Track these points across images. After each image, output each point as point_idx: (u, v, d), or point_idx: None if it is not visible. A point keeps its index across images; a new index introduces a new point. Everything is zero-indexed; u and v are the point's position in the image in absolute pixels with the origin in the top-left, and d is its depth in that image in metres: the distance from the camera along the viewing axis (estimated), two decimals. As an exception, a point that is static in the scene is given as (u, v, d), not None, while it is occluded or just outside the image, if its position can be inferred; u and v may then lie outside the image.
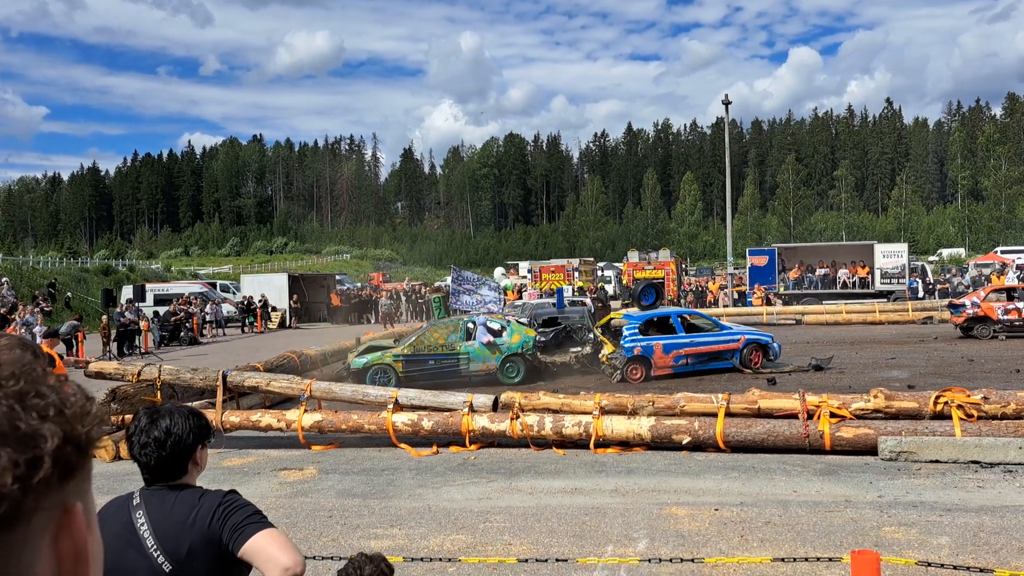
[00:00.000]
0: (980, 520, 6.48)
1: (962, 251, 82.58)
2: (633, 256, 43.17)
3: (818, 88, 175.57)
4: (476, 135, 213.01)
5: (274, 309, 35.47)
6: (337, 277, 47.14)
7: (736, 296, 38.29)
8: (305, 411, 10.95)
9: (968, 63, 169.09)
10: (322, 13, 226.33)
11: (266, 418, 11.10)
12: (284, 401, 13.52)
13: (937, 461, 8.39)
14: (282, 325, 35.30)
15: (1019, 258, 55.87)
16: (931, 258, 72.86)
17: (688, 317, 16.88)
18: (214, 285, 41.60)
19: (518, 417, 10.00)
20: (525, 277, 55.34)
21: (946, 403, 9.11)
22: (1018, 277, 37.52)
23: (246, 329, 33.79)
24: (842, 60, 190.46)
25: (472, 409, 10.37)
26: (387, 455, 10.14)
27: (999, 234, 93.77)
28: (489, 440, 10.32)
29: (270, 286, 36.74)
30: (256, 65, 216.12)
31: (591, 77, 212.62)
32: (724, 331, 16.38)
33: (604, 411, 10.01)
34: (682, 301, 38.47)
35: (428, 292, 39.05)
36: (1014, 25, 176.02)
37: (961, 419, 8.88)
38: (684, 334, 15.90)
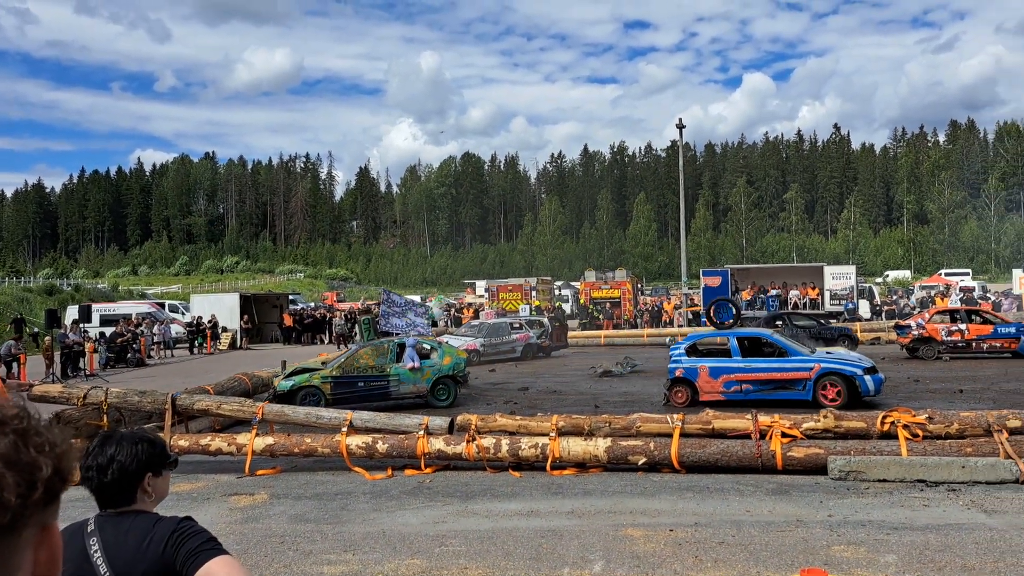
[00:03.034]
0: (926, 538, 6.63)
1: (908, 273, 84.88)
2: (590, 276, 43.51)
3: (771, 113, 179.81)
4: (436, 155, 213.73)
5: (224, 330, 34.84)
6: (290, 297, 46.55)
7: (691, 316, 38.76)
8: (257, 434, 10.76)
9: (914, 91, 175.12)
10: (282, 31, 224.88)
11: (216, 442, 10.89)
12: (235, 424, 13.26)
13: (884, 480, 8.56)
14: (233, 346, 34.68)
15: (962, 280, 57.68)
16: (878, 280, 74.79)
17: (755, 339, 14.96)
18: (163, 305, 40.79)
19: (474, 439, 9.96)
20: (482, 296, 55.33)
21: (893, 423, 9.32)
22: (960, 299, 38.70)
23: (195, 350, 33.13)
24: (794, 86, 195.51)
25: (428, 431, 10.31)
26: (341, 479, 10.01)
27: (943, 257, 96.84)
28: (445, 463, 10.26)
29: (220, 306, 36.10)
30: (212, 82, 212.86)
31: (550, 99, 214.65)
32: (794, 358, 14.17)
33: (561, 432, 10.02)
34: (638, 321, 38.84)
35: (357, 314, 38.66)
36: (957, 55, 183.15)
37: (907, 439, 9.09)
38: (740, 358, 14.31)
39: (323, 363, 17.26)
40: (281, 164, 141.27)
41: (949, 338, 22.24)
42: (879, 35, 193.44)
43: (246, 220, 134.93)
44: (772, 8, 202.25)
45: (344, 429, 10.51)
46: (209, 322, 33.96)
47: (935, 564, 6.00)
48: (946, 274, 69.42)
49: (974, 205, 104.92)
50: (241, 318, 35.74)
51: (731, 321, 15.73)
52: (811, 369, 13.96)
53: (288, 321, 37.47)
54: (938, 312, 24.71)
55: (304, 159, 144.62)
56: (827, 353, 14.65)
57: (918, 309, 36.17)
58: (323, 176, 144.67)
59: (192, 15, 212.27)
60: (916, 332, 23.15)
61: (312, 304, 56.07)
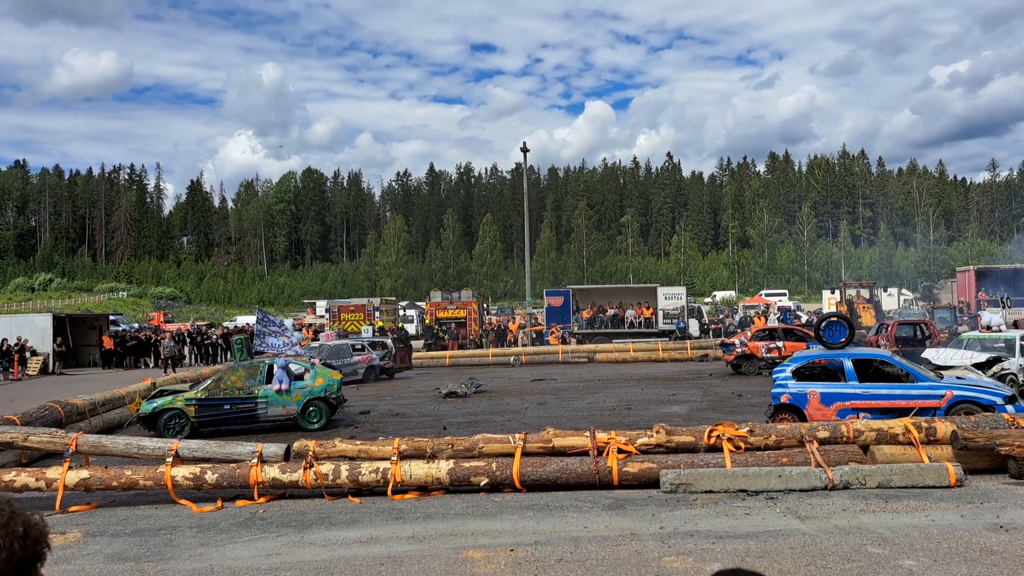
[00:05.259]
0: (747, 545, 7.02)
1: (733, 293, 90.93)
2: (436, 296, 43.51)
3: (611, 140, 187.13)
4: (277, 169, 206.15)
5: (34, 353, 31.94)
6: (111, 317, 43.48)
7: (534, 335, 39.56)
8: (70, 467, 9.88)
9: (739, 123, 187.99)
10: (108, 33, 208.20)
11: (22, 477, 9.92)
12: (45, 457, 12.17)
13: (711, 491, 9.03)
14: (44, 371, 31.87)
15: (780, 301, 62.54)
16: (706, 300, 79.63)
17: (874, 362, 13.33)
18: (-38, 326, 36.79)
19: (311, 466, 9.61)
20: (323, 316, 53.88)
21: (718, 436, 9.86)
22: (778, 319, 41.85)
23: (0, 376, 30.11)
24: (632, 115, 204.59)
25: (262, 459, 9.84)
26: (165, 512, 9.36)
27: (763, 278, 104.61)
28: (280, 491, 9.82)
29: (30, 327, 33.12)
30: (27, 85, 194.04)
31: (396, 116, 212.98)
32: (921, 384, 12.37)
33: (403, 456, 9.86)
34: (483, 340, 39.17)
35: (231, 333, 37.14)
36: (777, 92, 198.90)
37: (731, 451, 9.64)
38: (857, 383, 12.56)
39: (190, 385, 16.63)
40: (103, 175, 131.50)
41: (768, 355, 23.96)
42: (708, 70, 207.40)
43: (62, 234, 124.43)
44: (612, 39, 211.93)
45: (169, 459, 9.85)
46: (16, 345, 31.00)
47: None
48: (766, 295, 75.09)
49: (790, 231, 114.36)
50: (54, 340, 32.92)
51: (843, 341, 13.77)
52: (942, 397, 12.17)
53: (108, 343, 34.82)
54: (758, 331, 26.57)
55: (129, 170, 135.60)
56: (958, 379, 12.88)
57: (740, 328, 38.74)
58: (151, 188, 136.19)
59: (7, 12, 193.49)
60: (739, 350, 24.81)
61: (136, 325, 52.64)
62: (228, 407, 15.38)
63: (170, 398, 15.34)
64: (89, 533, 8.52)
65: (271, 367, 15.93)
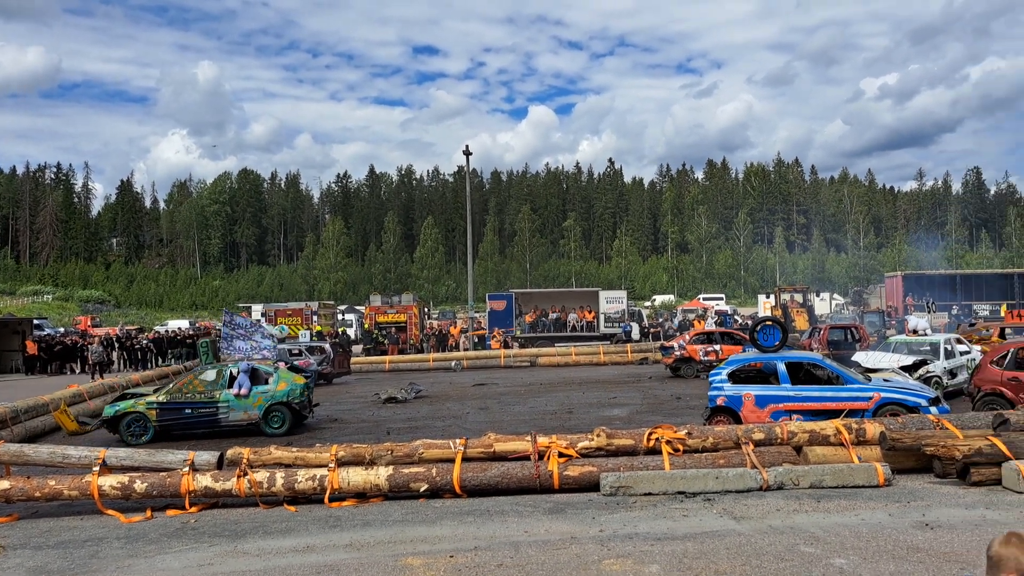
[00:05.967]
0: (685, 547, 7.10)
1: (672, 297, 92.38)
2: (376, 299, 43.07)
3: (554, 145, 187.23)
4: (212, 169, 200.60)
5: (-46, 358, 30.57)
6: (35, 321, 41.88)
7: (476, 340, 39.48)
8: (-12, 479, 9.45)
9: (678, 131, 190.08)
10: (36, 28, 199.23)
11: (-65, 490, 9.41)
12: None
13: (650, 494, 9.12)
14: (-35, 377, 30.50)
15: (717, 305, 63.78)
16: (647, 304, 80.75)
17: (805, 364, 13.66)
18: None
19: (246, 474, 9.37)
20: (259, 321, 52.87)
21: (657, 439, 9.96)
22: (715, 322, 42.63)
23: (-83, 382, 28.71)
24: (575, 120, 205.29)
25: (194, 468, 9.57)
26: (91, 524, 9.02)
27: (701, 283, 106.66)
28: (213, 500, 9.56)
29: (-51, 332, 31.69)
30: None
31: (336, 117, 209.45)
32: (850, 386, 12.72)
33: (341, 463, 9.70)
34: (424, 345, 38.91)
35: (163, 339, 36.18)
36: (715, 101, 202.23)
37: (670, 453, 9.75)
38: (790, 385, 12.94)
39: (154, 388, 16.44)
40: (28, 174, 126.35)
41: (706, 358, 24.38)
42: (649, 78, 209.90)
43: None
44: (555, 45, 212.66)
45: (96, 468, 9.50)
46: (-67, 350, 29.60)
47: (692, 571, 6.43)
48: (704, 298, 76.56)
49: (727, 237, 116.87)
50: (-26, 345, 31.54)
51: (777, 345, 14.13)
52: (870, 399, 12.58)
53: (32, 349, 33.50)
54: (697, 334, 27.03)
55: (55, 169, 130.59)
56: (885, 381, 13.21)
57: (679, 332, 39.35)
58: (78, 188, 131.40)
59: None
60: (678, 353, 25.21)
61: (61, 329, 50.87)
62: (189, 411, 15.15)
63: (132, 401, 15.07)
64: (9, 546, 8.17)
65: (233, 371, 15.69)
